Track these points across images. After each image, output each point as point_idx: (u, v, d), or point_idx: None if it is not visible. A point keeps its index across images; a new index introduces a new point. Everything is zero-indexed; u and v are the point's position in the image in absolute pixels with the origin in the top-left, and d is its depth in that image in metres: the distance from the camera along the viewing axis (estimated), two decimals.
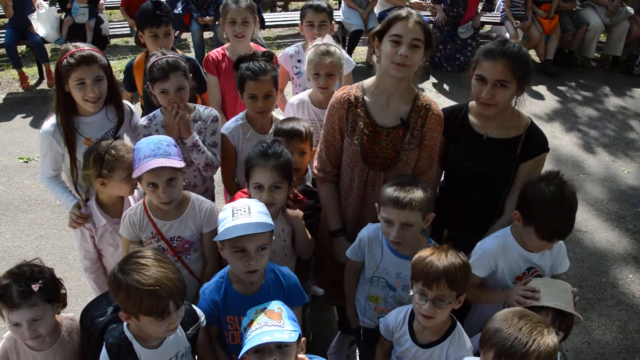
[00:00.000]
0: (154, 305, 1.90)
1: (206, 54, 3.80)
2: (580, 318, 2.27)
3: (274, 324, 1.95)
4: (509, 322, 1.78)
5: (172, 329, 2.02)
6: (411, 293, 2.22)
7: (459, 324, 2.29)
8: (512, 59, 2.40)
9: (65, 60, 2.64)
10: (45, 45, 6.90)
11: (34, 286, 2.09)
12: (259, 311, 2.02)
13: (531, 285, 2.31)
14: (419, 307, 2.15)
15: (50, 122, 2.78)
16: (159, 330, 2.00)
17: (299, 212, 2.63)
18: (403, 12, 2.44)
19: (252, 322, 1.98)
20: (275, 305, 2.05)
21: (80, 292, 3.56)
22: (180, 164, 2.45)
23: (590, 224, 4.66)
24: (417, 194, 2.32)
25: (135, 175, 2.45)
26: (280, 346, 1.93)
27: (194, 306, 2.25)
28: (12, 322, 2.11)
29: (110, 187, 2.61)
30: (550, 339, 1.75)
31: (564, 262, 2.55)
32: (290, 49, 3.84)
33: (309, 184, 3.03)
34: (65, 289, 2.32)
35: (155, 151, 2.42)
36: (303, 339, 2.00)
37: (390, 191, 2.35)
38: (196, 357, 2.32)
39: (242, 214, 2.15)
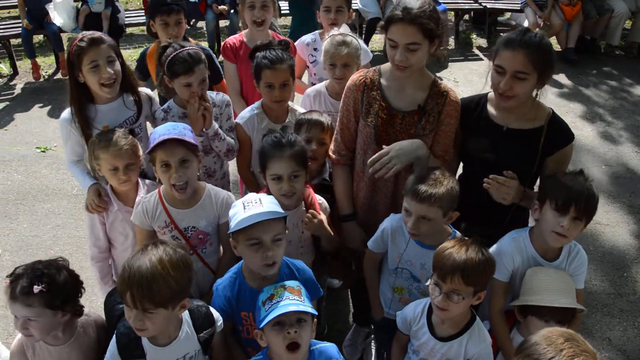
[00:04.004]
0: (122, 290, 1.87)
1: (223, 41, 3.76)
2: (583, 309, 2.30)
3: (295, 298, 1.96)
4: (552, 339, 1.65)
5: (141, 328, 1.92)
6: (428, 283, 2.19)
7: (478, 318, 2.26)
8: (533, 49, 2.32)
9: (75, 46, 2.65)
10: (61, 35, 6.94)
11: (35, 288, 2.04)
12: (279, 287, 2.03)
13: (529, 274, 2.34)
14: (434, 298, 2.13)
15: (68, 110, 2.79)
16: (134, 324, 1.93)
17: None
18: (399, 11, 2.32)
19: (272, 295, 1.98)
20: (294, 283, 2.07)
21: (97, 282, 3.57)
22: (195, 142, 2.45)
23: (612, 217, 4.56)
24: (440, 189, 2.27)
25: (148, 150, 2.46)
26: (300, 320, 1.94)
27: (211, 309, 2.20)
28: (12, 312, 2.11)
29: (104, 173, 2.63)
30: None
31: (580, 279, 2.42)
32: (306, 37, 3.79)
33: (326, 177, 2.99)
34: (81, 306, 2.27)
35: (171, 131, 2.43)
36: (315, 320, 2.03)
37: (413, 182, 2.32)
38: (209, 357, 2.30)
39: (254, 205, 2.14)
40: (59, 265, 2.19)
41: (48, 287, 2.08)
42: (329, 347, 2.14)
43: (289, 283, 2.06)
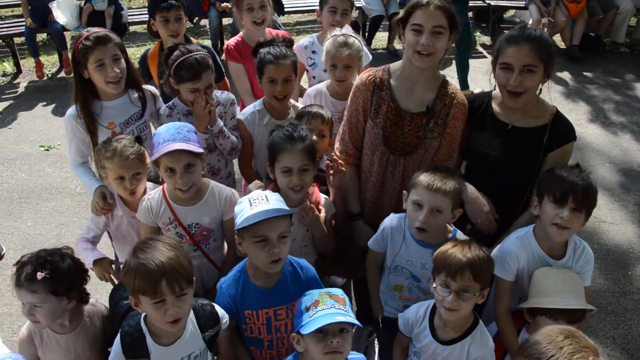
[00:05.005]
0: (144, 281, 1.87)
1: (225, 44, 3.75)
2: (593, 309, 2.29)
3: (341, 308, 1.93)
4: (552, 337, 1.66)
5: (172, 319, 1.94)
6: (433, 286, 2.18)
7: (481, 321, 2.25)
8: (536, 42, 2.36)
9: (81, 45, 2.65)
10: (65, 33, 6.95)
11: (39, 274, 2.10)
12: (324, 293, 1.99)
13: (537, 275, 2.32)
14: (442, 299, 2.11)
15: (73, 107, 2.80)
16: (157, 317, 1.95)
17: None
18: None
19: (317, 302, 1.95)
20: (339, 292, 2.03)
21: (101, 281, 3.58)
22: (199, 150, 2.44)
23: (616, 215, 4.54)
24: (451, 183, 2.30)
25: (153, 158, 2.45)
26: (342, 330, 1.92)
27: (216, 307, 2.20)
28: (18, 298, 2.17)
29: (110, 182, 2.60)
30: None
31: (586, 277, 2.42)
32: (304, 41, 3.74)
33: (322, 167, 2.99)
34: (87, 293, 2.33)
35: (175, 135, 2.41)
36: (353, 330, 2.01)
37: (424, 175, 2.33)
38: (215, 356, 2.30)
39: (260, 202, 2.14)
40: (63, 253, 2.24)
41: (51, 274, 2.13)
42: (361, 358, 2.14)
43: (334, 291, 2.03)
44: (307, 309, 1.95)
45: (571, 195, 2.23)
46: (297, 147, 2.45)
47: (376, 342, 3.24)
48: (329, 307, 1.92)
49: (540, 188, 2.35)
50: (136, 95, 2.90)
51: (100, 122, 2.80)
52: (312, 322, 1.89)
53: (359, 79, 2.66)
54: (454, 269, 2.06)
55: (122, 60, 2.74)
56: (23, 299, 2.14)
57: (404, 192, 2.46)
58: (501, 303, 2.41)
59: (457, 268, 2.05)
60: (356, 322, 1.92)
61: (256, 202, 2.13)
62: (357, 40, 3.11)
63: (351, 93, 2.68)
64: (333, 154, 2.85)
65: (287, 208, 2.18)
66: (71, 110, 2.80)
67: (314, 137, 2.75)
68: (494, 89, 2.60)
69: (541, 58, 2.36)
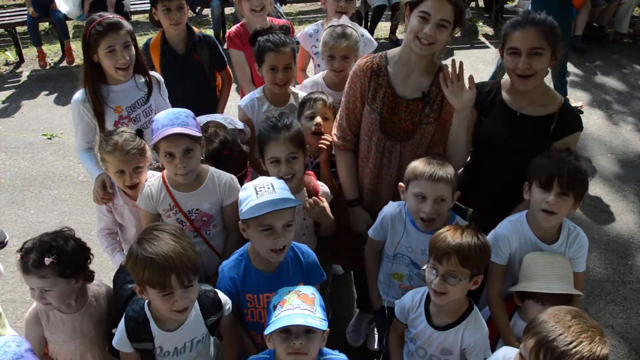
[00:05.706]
0: (154, 276, 1.89)
1: (227, 32, 3.75)
2: (580, 294, 2.30)
3: (306, 308, 1.91)
4: (559, 317, 1.69)
5: (179, 309, 1.97)
6: (424, 267, 2.20)
7: (476, 307, 2.26)
8: (542, 25, 2.37)
9: (93, 29, 2.67)
10: (67, 22, 6.95)
11: (46, 259, 2.13)
12: (293, 292, 1.98)
13: (526, 259, 2.34)
14: (431, 281, 2.14)
15: (80, 91, 2.83)
16: (164, 308, 1.97)
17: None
18: None
19: (284, 301, 1.94)
20: (309, 290, 2.01)
21: (102, 267, 3.61)
22: (198, 134, 2.46)
23: (617, 206, 4.55)
24: (450, 169, 2.32)
25: (152, 142, 2.46)
26: (308, 331, 1.91)
27: (219, 294, 2.21)
28: (27, 284, 2.21)
29: (110, 175, 2.62)
30: (599, 348, 1.60)
31: (580, 262, 2.42)
32: (309, 28, 3.74)
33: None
34: (92, 272, 2.37)
35: (174, 120, 2.42)
36: (327, 330, 1.97)
37: (422, 166, 2.33)
38: (215, 340, 2.33)
39: (267, 190, 2.14)
40: (65, 236, 2.28)
41: (58, 257, 2.17)
42: (341, 358, 2.12)
43: (304, 289, 2.01)
44: (275, 308, 1.96)
45: (556, 180, 2.23)
46: (282, 136, 2.45)
47: (376, 330, 3.27)
48: (293, 308, 1.91)
49: (530, 173, 2.36)
50: (142, 80, 2.93)
51: (108, 105, 2.83)
52: (275, 322, 1.89)
53: (356, 65, 2.67)
54: (441, 253, 2.07)
55: (132, 48, 2.77)
56: (32, 284, 2.18)
57: (400, 184, 2.47)
58: (493, 286, 2.43)
59: (444, 252, 2.06)
60: (317, 325, 1.87)
61: (262, 191, 2.14)
62: (354, 32, 3.11)
63: (349, 79, 2.69)
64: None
65: (293, 197, 2.18)
66: (78, 94, 2.82)
67: (317, 119, 2.78)
68: (502, 77, 2.61)
69: (547, 40, 2.37)
